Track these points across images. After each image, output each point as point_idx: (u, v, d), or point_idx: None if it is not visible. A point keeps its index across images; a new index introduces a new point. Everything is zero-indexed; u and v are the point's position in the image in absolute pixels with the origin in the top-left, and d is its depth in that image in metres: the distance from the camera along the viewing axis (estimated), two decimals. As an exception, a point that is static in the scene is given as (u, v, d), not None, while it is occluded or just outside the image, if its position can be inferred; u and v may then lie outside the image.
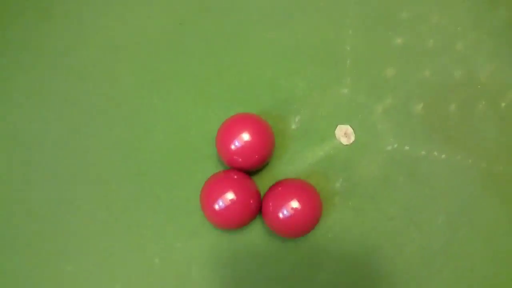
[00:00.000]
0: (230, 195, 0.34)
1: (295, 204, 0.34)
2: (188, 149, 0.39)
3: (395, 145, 0.41)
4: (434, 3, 0.47)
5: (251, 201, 0.34)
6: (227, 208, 0.34)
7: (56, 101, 0.41)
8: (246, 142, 0.35)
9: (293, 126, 0.40)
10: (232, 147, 0.35)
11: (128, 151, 0.39)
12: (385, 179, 0.40)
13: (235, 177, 0.35)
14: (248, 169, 0.36)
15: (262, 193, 0.37)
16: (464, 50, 0.48)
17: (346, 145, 0.40)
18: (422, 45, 0.46)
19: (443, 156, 0.42)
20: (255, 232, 0.38)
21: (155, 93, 0.41)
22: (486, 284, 0.38)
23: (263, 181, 0.38)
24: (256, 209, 0.35)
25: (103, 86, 0.41)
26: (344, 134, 0.40)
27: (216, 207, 0.34)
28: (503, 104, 0.46)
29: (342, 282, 0.37)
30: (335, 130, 0.41)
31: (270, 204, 0.35)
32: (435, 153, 0.42)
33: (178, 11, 0.44)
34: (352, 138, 0.40)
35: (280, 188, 0.35)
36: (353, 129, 0.41)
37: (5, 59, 0.42)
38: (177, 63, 0.42)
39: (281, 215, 0.34)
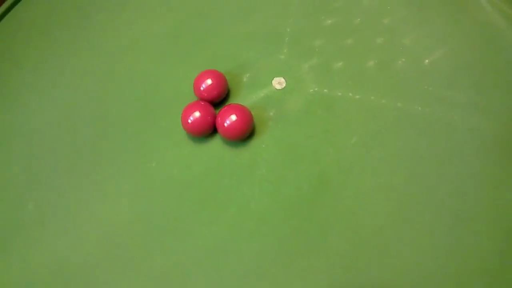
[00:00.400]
0: (197, 113, 0.55)
1: (233, 117, 0.54)
2: (169, 93, 0.61)
3: (316, 89, 0.60)
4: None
5: (209, 117, 0.55)
6: (195, 121, 0.54)
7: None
8: (209, 83, 0.56)
9: (244, 79, 0.61)
10: (201, 87, 0.56)
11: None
12: (306, 111, 0.58)
13: (201, 103, 0.56)
14: (212, 101, 0.57)
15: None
16: (391, 23, 0.65)
17: (279, 89, 0.60)
18: (350, 23, 0.65)
19: (357, 96, 0.59)
20: (214, 140, 0.58)
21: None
22: (395, 193, 0.53)
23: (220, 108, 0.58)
24: (213, 122, 0.56)
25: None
26: (278, 82, 0.60)
27: (189, 121, 0.55)
28: (426, 61, 0.62)
29: (272, 177, 0.55)
30: (272, 80, 0.60)
31: (219, 118, 0.55)
32: (350, 94, 0.59)
33: None
34: (284, 85, 0.60)
35: (226, 108, 0.55)
36: (285, 79, 0.60)
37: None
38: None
39: (225, 124, 0.54)
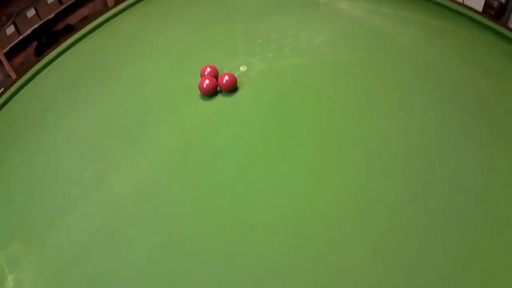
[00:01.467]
0: (207, 80, 1.20)
1: (227, 77, 1.20)
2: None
3: (261, 67, 1.28)
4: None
5: (214, 82, 1.20)
6: (207, 85, 1.19)
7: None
8: (209, 70, 1.22)
9: (226, 69, 1.27)
10: (206, 72, 1.23)
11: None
12: (259, 76, 1.25)
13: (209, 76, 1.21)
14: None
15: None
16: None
17: (243, 71, 1.27)
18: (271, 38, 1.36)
19: (281, 63, 1.28)
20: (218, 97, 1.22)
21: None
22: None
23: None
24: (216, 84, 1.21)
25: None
26: (242, 67, 1.27)
27: (204, 85, 1.19)
28: (316, 41, 1.32)
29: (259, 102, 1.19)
30: (240, 67, 1.28)
31: (220, 78, 1.20)
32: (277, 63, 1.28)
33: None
34: (246, 69, 1.27)
35: (223, 73, 1.21)
36: (246, 66, 1.28)
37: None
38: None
39: (223, 82, 1.19)
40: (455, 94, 1.10)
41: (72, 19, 3.10)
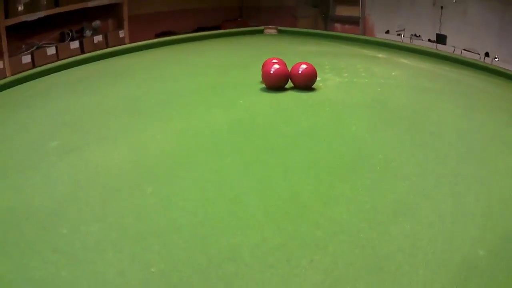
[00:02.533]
0: (276, 65, 1.11)
1: (303, 65, 1.11)
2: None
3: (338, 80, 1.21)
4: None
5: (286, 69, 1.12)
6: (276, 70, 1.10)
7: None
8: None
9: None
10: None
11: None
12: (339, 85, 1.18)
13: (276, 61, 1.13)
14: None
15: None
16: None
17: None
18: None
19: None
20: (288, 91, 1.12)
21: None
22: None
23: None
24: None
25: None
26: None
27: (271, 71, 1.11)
28: None
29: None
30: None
31: (293, 68, 1.12)
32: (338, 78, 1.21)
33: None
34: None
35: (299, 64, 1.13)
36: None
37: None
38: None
39: (299, 71, 1.11)
40: None
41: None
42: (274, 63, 1.11)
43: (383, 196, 0.72)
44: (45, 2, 2.57)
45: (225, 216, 0.68)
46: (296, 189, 0.75)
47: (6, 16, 2.41)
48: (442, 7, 2.42)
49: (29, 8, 2.51)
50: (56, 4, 2.65)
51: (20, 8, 2.47)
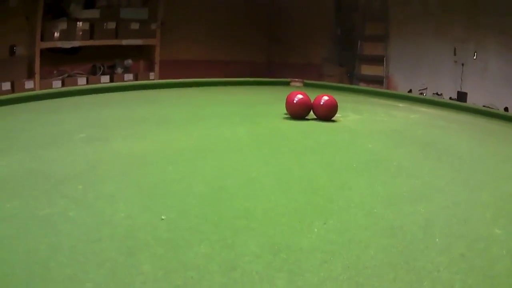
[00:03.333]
0: (300, 95, 1.13)
1: (326, 97, 1.14)
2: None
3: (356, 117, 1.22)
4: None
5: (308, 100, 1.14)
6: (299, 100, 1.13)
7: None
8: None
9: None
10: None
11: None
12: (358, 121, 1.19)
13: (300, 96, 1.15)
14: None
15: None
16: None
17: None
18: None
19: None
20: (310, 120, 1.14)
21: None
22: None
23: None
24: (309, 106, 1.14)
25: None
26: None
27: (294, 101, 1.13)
28: None
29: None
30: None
31: (316, 99, 1.14)
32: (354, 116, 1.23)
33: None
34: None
35: (321, 96, 1.15)
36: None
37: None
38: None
39: (321, 102, 1.13)
40: None
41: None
42: (298, 93, 1.16)
43: (397, 187, 0.72)
44: (80, 33, 2.71)
45: (241, 189, 0.69)
46: (311, 177, 0.75)
47: (42, 39, 2.54)
48: (463, 64, 2.47)
49: (65, 35, 2.65)
50: (91, 37, 2.79)
51: (57, 34, 2.62)
